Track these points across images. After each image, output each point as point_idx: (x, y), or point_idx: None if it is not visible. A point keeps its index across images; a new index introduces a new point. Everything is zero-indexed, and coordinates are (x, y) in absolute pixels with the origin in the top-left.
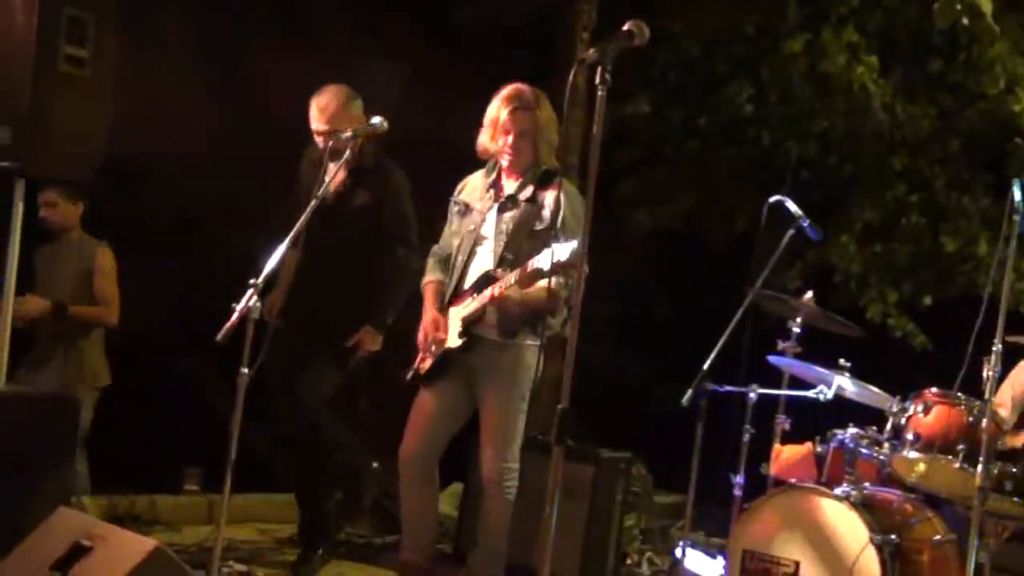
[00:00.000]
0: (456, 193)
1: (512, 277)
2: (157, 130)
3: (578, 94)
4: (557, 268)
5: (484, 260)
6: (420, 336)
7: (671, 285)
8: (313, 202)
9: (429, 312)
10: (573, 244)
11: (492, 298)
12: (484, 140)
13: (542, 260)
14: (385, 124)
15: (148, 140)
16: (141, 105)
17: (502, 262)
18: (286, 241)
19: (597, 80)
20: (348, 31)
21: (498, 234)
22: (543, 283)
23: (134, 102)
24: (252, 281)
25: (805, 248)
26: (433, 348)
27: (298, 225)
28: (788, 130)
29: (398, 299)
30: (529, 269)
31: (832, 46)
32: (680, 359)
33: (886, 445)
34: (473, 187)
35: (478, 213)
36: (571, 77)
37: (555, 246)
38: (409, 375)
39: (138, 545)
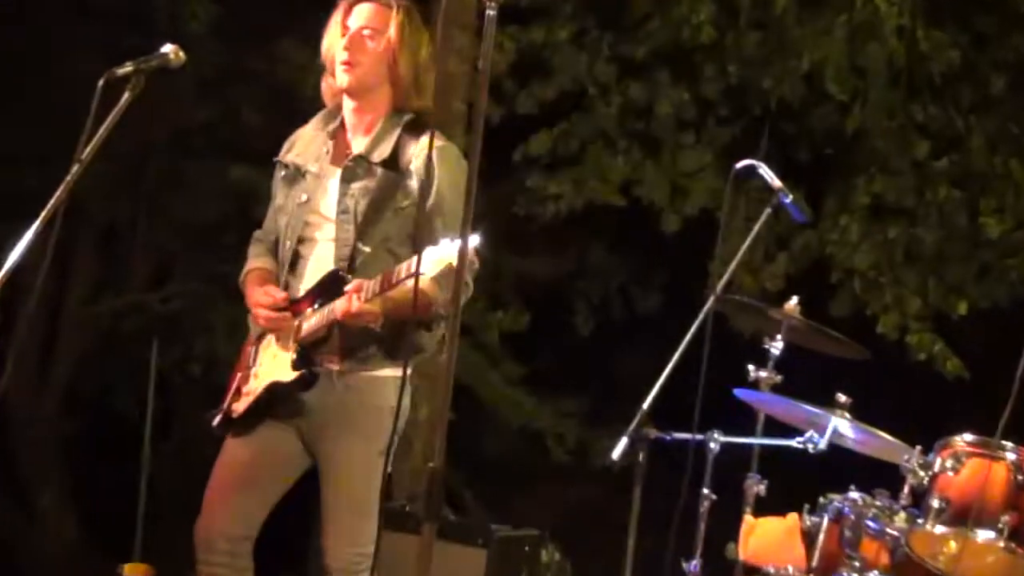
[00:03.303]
0: (283, 152)
1: (373, 286)
2: None
3: (464, 12)
4: (441, 273)
5: (326, 252)
6: (261, 322)
7: (599, 287)
8: None
9: (255, 292)
10: (472, 239)
11: (346, 315)
12: (326, 80)
13: (423, 264)
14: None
15: None
16: None
17: (355, 256)
18: None
19: None
20: None
21: (343, 213)
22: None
23: None
24: None
25: (788, 234)
26: (280, 328)
27: None
28: (764, 64)
29: None
30: (396, 280)
31: None
32: (611, 394)
33: (902, 515)
34: (306, 142)
35: (313, 179)
36: None
37: (442, 243)
38: (216, 419)
39: None
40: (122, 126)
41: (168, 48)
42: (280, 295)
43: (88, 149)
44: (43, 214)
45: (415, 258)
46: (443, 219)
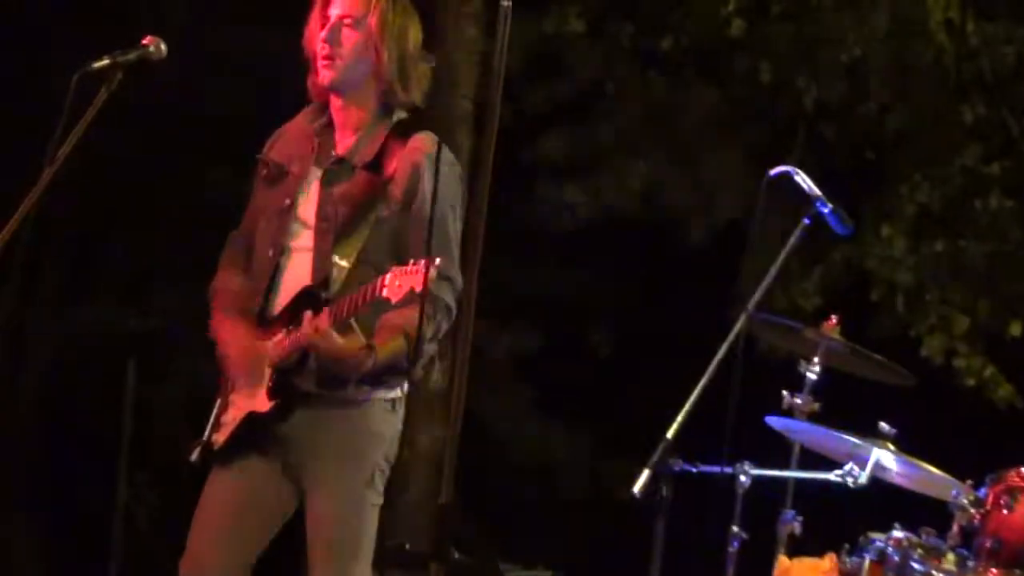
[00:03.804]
0: (266, 148)
1: (323, 320)
2: None
3: (470, 2)
4: (414, 297)
5: (302, 263)
6: (230, 370)
7: (619, 304)
8: None
9: (224, 327)
10: (435, 260)
11: (312, 349)
12: (311, 76)
13: (388, 286)
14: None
15: None
16: None
17: (328, 270)
18: None
19: None
20: None
21: (323, 220)
22: (400, 316)
23: None
24: None
25: (825, 247)
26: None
27: None
28: (799, 61)
29: None
30: (363, 303)
31: None
32: (630, 421)
33: (951, 557)
34: (290, 140)
35: (295, 180)
36: None
37: (409, 265)
38: (195, 453)
39: None
40: (97, 125)
41: (148, 40)
42: (251, 340)
43: (61, 150)
44: (10, 222)
45: (387, 276)
46: (423, 233)
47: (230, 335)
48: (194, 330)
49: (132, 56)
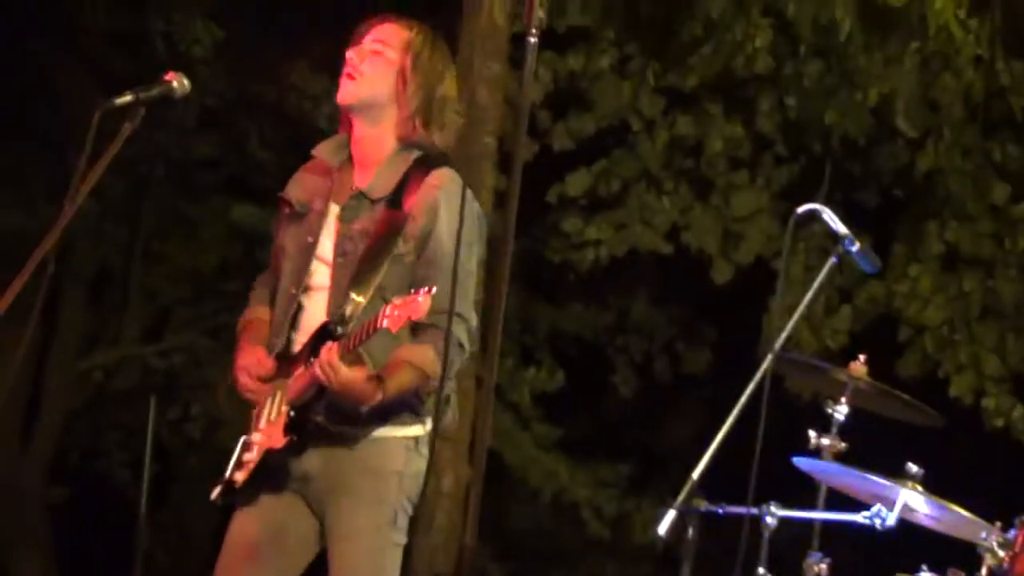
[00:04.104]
0: (288, 187)
1: (333, 351)
2: None
3: (495, 37)
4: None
5: (321, 301)
6: (238, 388)
7: (642, 343)
8: None
9: (242, 354)
10: (433, 289)
11: (327, 379)
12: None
13: (388, 316)
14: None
15: None
16: None
17: (345, 306)
18: None
19: (526, 17)
20: None
21: (341, 256)
22: (409, 352)
23: None
24: None
25: (852, 286)
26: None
27: None
28: (826, 97)
29: None
30: (365, 335)
31: None
32: (655, 461)
33: None
34: (310, 178)
35: (316, 217)
36: (485, 7)
37: (415, 295)
38: (217, 492)
39: None
40: (118, 162)
41: (171, 76)
42: (268, 365)
43: (83, 187)
44: (31, 258)
45: (387, 307)
46: (438, 271)
47: (252, 360)
48: (214, 366)
49: (155, 92)
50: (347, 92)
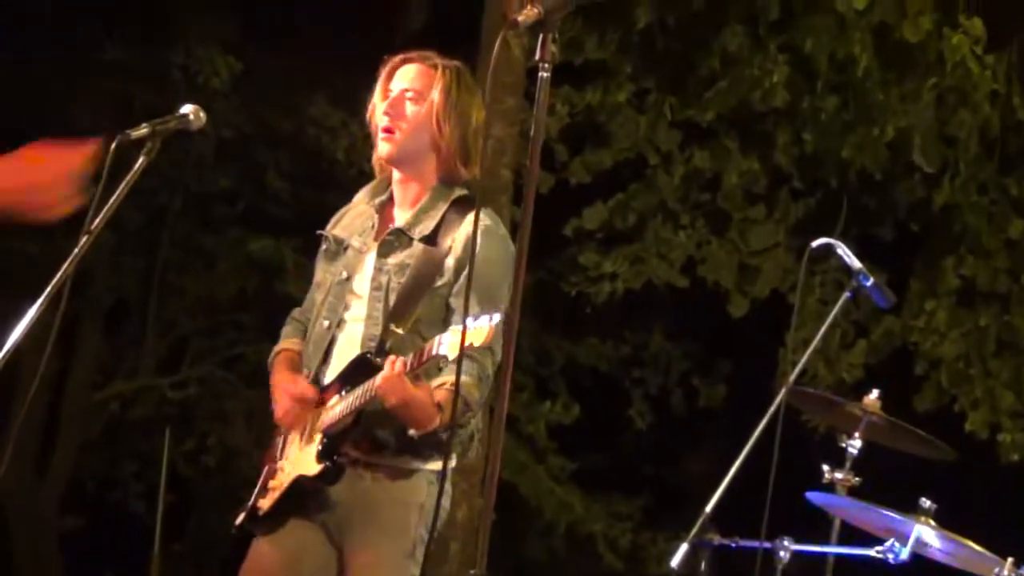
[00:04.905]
0: (329, 225)
1: (399, 365)
2: None
3: (511, 71)
4: (466, 354)
5: (355, 332)
6: (278, 412)
7: (658, 376)
8: None
9: (283, 378)
10: (495, 317)
11: (381, 386)
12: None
13: (446, 344)
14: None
15: None
16: None
17: (385, 339)
18: None
19: (539, 52)
20: None
21: (376, 289)
22: (442, 379)
23: None
24: None
25: (868, 320)
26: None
27: None
28: (843, 132)
29: None
30: (426, 357)
31: (914, 2)
32: (669, 494)
33: None
34: (353, 216)
35: (354, 254)
36: (497, 47)
37: (468, 322)
38: (240, 519)
39: None
40: (134, 193)
41: (188, 108)
42: (311, 391)
43: (99, 219)
44: (48, 289)
45: (441, 335)
46: (479, 301)
47: (292, 384)
48: (230, 398)
49: (171, 124)
50: (389, 150)
